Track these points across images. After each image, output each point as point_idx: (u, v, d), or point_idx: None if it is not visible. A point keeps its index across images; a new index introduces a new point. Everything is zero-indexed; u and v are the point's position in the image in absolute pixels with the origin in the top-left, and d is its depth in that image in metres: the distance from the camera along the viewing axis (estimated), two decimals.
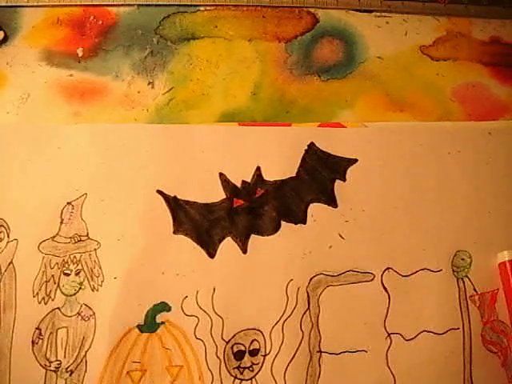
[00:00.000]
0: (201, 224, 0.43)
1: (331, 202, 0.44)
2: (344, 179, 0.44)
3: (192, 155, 0.44)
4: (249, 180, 0.44)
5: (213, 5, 0.51)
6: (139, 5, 0.51)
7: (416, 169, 0.45)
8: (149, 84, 0.48)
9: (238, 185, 0.44)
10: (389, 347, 0.41)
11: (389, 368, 0.41)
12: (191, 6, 0.51)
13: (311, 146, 0.45)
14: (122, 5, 0.51)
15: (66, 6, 0.50)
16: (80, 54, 0.49)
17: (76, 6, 0.51)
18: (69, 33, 0.50)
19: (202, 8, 0.51)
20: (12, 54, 0.49)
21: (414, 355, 0.41)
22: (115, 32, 0.50)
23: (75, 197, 0.43)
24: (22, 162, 0.44)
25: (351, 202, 0.44)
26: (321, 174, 0.44)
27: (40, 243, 0.42)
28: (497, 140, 0.46)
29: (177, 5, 0.51)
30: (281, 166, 0.44)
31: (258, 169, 0.44)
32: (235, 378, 0.40)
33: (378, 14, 0.52)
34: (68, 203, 0.43)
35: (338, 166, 0.45)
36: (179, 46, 0.50)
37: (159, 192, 0.43)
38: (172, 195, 0.43)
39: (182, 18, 0.51)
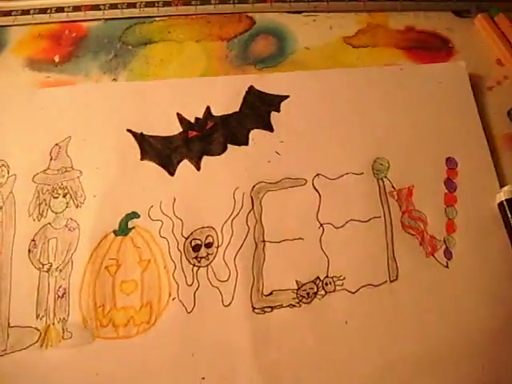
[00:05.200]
0: (162, 151, 0.53)
1: (268, 127, 0.53)
2: (278, 110, 0.54)
3: (155, 102, 0.55)
4: (201, 116, 0.54)
5: (166, 15, 0.61)
6: (106, 19, 0.61)
7: (338, 99, 0.55)
8: (112, 80, 0.58)
9: (192, 121, 0.54)
10: (322, 234, 0.49)
11: (323, 251, 0.49)
12: (149, 17, 0.61)
13: (251, 88, 0.55)
14: (92, 19, 0.61)
15: (46, 23, 0.61)
16: (57, 60, 0.59)
17: (54, 23, 0.61)
18: (48, 44, 0.60)
19: (157, 19, 0.61)
20: (1, 62, 0.59)
21: (344, 239, 0.49)
22: (86, 41, 0.60)
23: (61, 139, 0.54)
24: (17, 116, 0.54)
25: (285, 126, 0.53)
26: (259, 108, 0.54)
27: (34, 176, 0.52)
28: (404, 74, 0.56)
29: (137, 17, 0.61)
30: (227, 104, 0.54)
31: (208, 108, 0.54)
32: (194, 265, 0.49)
33: (306, 13, 0.62)
34: (56, 144, 0.53)
35: (273, 101, 0.55)
36: (138, 49, 0.59)
37: (128, 130, 0.53)
38: (139, 132, 0.53)
39: (141, 27, 0.61)
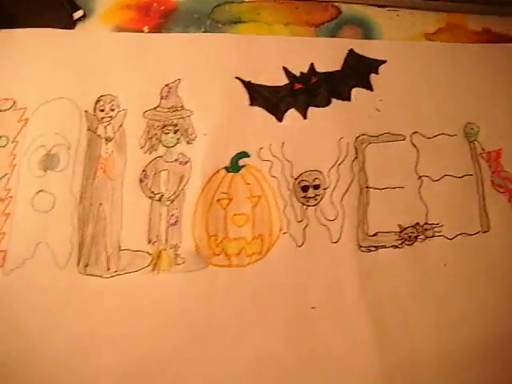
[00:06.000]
0: (270, 99, 0.55)
1: (368, 87, 0.57)
2: (377, 73, 0.58)
3: (262, 55, 0.57)
4: (305, 71, 0.57)
5: None
6: None
7: (432, 68, 0.58)
8: None
9: (297, 74, 0.57)
10: (420, 185, 0.53)
11: (422, 200, 0.52)
12: None
13: (351, 51, 0.59)
14: None
15: None
16: (146, 31, 0.58)
17: None
18: (136, 15, 0.60)
19: (246, 0, 0.62)
20: (89, 28, 0.59)
21: (440, 191, 0.53)
22: (175, 15, 0.59)
23: (171, 80, 0.55)
24: (129, 57, 0.56)
25: (383, 87, 0.57)
26: (359, 69, 0.58)
27: (144, 112, 0.54)
28: (490, 50, 0.60)
29: None
30: (329, 63, 0.58)
31: (312, 64, 0.57)
32: (303, 204, 0.51)
33: (390, 8, 0.64)
34: (166, 85, 0.55)
35: (373, 64, 0.58)
36: (228, 27, 0.60)
37: (237, 78, 0.56)
38: (247, 80, 0.56)
39: (231, 7, 0.61)
